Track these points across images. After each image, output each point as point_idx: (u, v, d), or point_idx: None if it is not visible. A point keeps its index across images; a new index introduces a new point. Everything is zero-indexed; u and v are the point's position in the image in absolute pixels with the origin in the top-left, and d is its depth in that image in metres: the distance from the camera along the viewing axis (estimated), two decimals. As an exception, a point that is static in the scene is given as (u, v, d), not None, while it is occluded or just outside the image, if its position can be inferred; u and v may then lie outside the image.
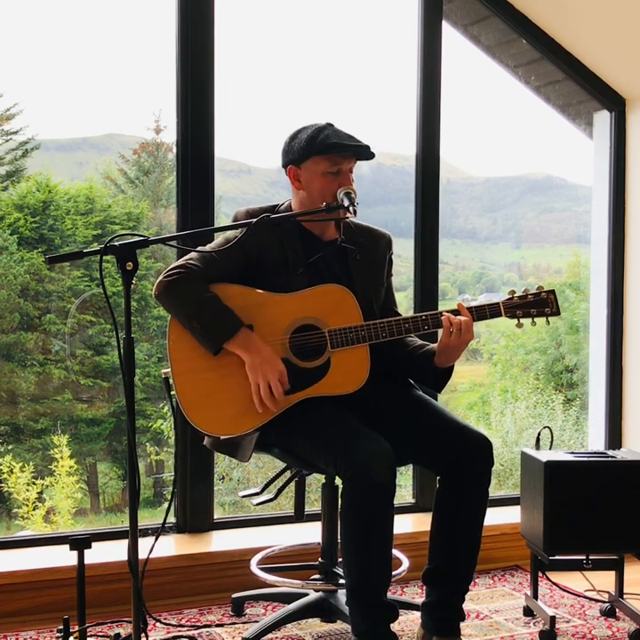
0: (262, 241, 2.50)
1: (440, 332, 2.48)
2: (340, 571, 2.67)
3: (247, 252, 2.49)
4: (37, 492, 5.50)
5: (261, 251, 2.51)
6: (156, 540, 2.48)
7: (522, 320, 2.53)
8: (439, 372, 2.54)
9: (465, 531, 2.46)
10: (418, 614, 2.62)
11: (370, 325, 2.45)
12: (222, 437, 2.50)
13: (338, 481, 2.62)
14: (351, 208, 2.40)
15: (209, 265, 2.47)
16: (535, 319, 2.54)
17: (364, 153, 2.51)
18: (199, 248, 2.53)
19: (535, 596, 2.90)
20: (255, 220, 2.30)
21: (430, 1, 3.64)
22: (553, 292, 2.54)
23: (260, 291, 2.48)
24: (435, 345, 2.53)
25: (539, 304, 2.53)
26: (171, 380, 2.46)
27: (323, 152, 2.47)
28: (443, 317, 2.45)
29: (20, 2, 6.32)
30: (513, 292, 2.53)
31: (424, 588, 2.55)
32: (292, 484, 2.75)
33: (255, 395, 2.38)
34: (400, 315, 2.68)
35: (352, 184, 2.51)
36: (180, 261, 2.48)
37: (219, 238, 2.58)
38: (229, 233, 2.51)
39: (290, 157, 2.55)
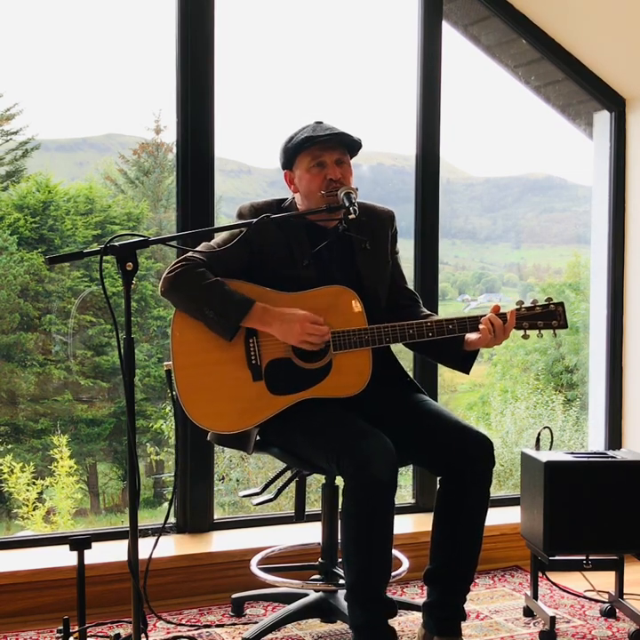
0: (267, 237, 2.50)
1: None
2: (340, 571, 2.67)
3: (251, 247, 2.49)
4: (37, 493, 5.50)
5: (267, 246, 2.51)
6: (157, 540, 2.48)
7: (528, 331, 2.49)
8: (467, 355, 2.55)
9: (466, 531, 2.46)
10: (418, 614, 2.62)
11: (374, 329, 2.44)
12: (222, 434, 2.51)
13: (338, 481, 2.62)
14: (351, 208, 2.40)
15: (212, 260, 2.48)
16: (542, 331, 2.50)
17: (342, 139, 2.51)
18: (203, 243, 2.54)
19: (535, 597, 2.90)
20: (256, 220, 2.32)
21: (430, 1, 3.64)
22: (562, 304, 2.50)
23: (266, 288, 2.49)
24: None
25: (546, 316, 2.49)
26: (172, 375, 2.47)
27: (300, 149, 2.52)
28: (483, 320, 2.44)
29: (20, 2, 6.32)
30: (521, 302, 2.50)
31: (425, 587, 2.55)
32: (293, 485, 2.75)
33: (310, 348, 2.40)
34: (412, 291, 2.73)
35: (341, 175, 2.50)
36: (183, 255, 2.49)
37: (222, 234, 2.57)
38: (234, 229, 2.52)
39: (282, 163, 2.60)
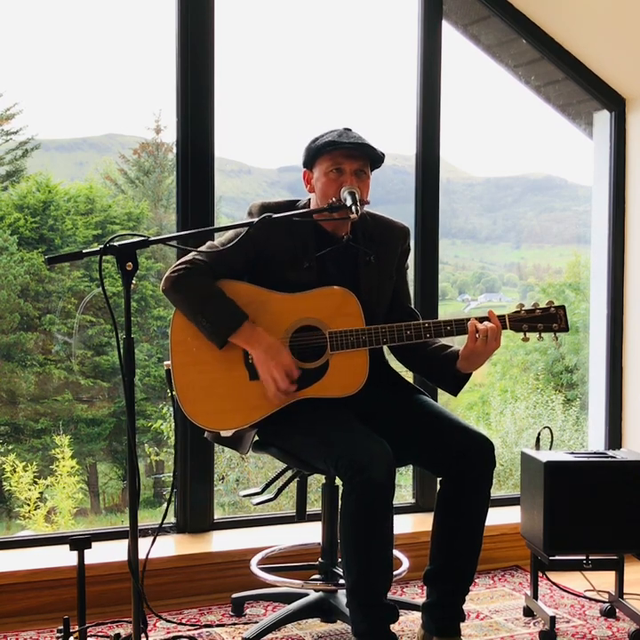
0: (273, 238, 2.50)
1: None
2: (340, 571, 2.67)
3: (256, 247, 2.50)
4: (39, 492, 5.51)
5: (271, 247, 2.51)
6: (154, 540, 2.48)
7: (528, 334, 2.47)
8: (459, 377, 2.54)
9: (466, 531, 2.46)
10: (418, 615, 2.62)
11: (371, 330, 2.44)
12: (222, 434, 2.51)
13: (338, 481, 2.62)
14: (354, 207, 2.39)
15: (216, 260, 2.48)
16: (542, 334, 2.47)
17: (365, 150, 2.49)
18: (208, 242, 2.54)
19: (535, 597, 2.90)
20: (256, 220, 2.32)
21: (430, 1, 3.64)
22: (563, 307, 2.47)
23: (265, 289, 2.49)
24: (458, 348, 2.51)
25: (547, 319, 2.47)
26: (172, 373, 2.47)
27: (322, 151, 2.50)
28: (469, 323, 2.43)
29: (20, 2, 6.32)
30: (521, 305, 2.48)
31: (425, 588, 2.55)
32: (293, 485, 2.75)
33: (267, 390, 2.39)
34: (414, 310, 2.70)
35: (357, 187, 2.47)
36: (188, 256, 2.48)
37: (228, 233, 2.56)
38: (240, 228, 2.52)
39: (303, 161, 2.59)
